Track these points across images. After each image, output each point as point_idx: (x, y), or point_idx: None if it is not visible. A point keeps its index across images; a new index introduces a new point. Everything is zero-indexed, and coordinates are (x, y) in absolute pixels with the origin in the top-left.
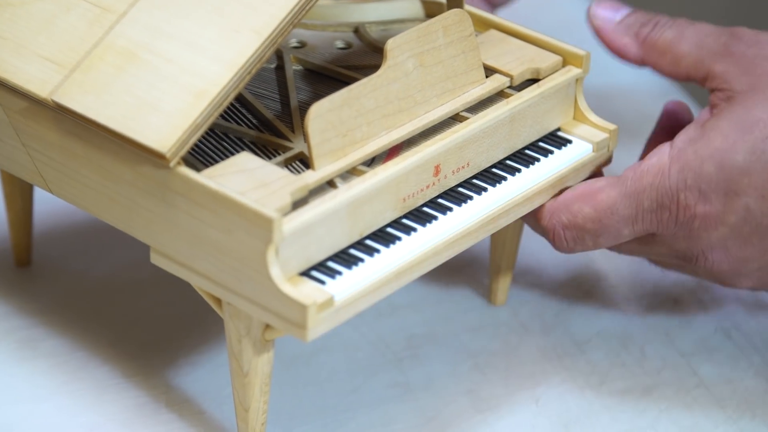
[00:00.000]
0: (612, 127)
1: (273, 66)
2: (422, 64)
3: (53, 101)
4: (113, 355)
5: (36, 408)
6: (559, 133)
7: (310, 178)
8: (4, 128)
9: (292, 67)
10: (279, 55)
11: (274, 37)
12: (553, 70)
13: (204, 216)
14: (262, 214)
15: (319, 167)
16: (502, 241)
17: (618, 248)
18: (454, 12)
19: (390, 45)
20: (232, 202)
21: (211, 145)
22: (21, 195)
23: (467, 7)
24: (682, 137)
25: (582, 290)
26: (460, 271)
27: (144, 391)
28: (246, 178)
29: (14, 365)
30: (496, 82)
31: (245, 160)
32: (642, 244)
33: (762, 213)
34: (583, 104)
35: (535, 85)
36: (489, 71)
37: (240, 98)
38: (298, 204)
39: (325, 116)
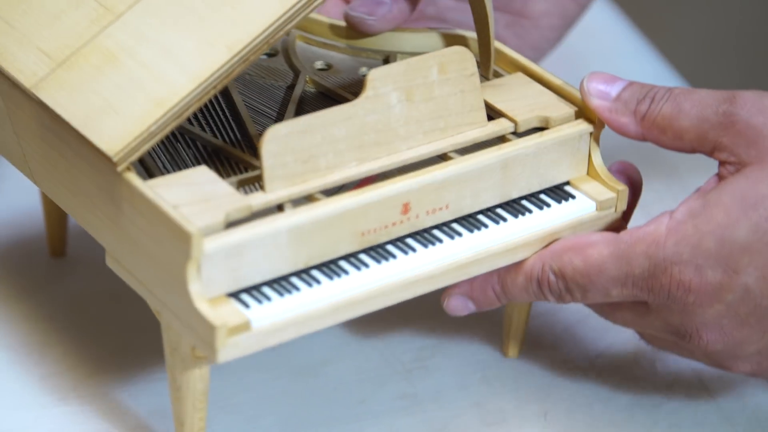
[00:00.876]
0: (621, 187)
1: (285, 85)
2: (408, 99)
3: (33, 93)
4: (126, 358)
5: (44, 414)
6: (566, 187)
7: (256, 200)
8: (2, 116)
9: (304, 88)
10: (297, 74)
11: (245, 54)
12: (564, 122)
13: (142, 224)
14: (182, 228)
15: (270, 190)
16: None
17: (612, 317)
18: (455, 49)
19: (371, 75)
20: (161, 213)
21: (191, 155)
22: None
23: (499, 44)
24: (682, 209)
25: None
26: None
27: (155, 399)
28: (192, 191)
29: (24, 369)
30: (498, 126)
31: (200, 173)
32: (636, 315)
33: (762, 294)
34: (597, 160)
35: (535, 134)
36: (497, 114)
37: (235, 112)
38: (236, 224)
39: (282, 140)
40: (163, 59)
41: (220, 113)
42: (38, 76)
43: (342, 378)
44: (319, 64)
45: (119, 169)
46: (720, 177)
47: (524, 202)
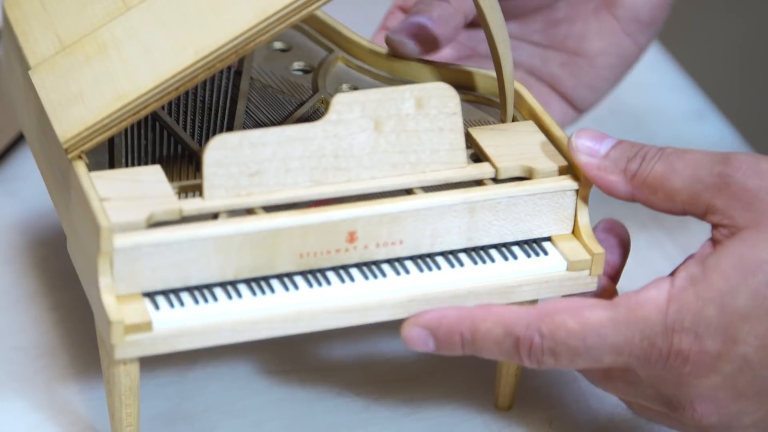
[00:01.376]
0: (598, 251)
1: (298, 101)
2: (377, 129)
3: (29, 74)
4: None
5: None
6: (543, 243)
7: (190, 205)
8: (21, 92)
9: (315, 107)
10: (314, 93)
11: (210, 61)
12: (547, 175)
13: (80, 214)
14: (96, 221)
15: (208, 198)
16: None
17: (602, 384)
18: (438, 85)
19: (336, 99)
20: (87, 204)
21: (167, 155)
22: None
23: (519, 86)
24: (683, 275)
25: None
26: None
27: (161, 401)
28: (131, 187)
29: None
30: (477, 170)
31: (150, 172)
32: (627, 383)
33: (761, 364)
34: (583, 220)
35: (511, 183)
36: (484, 158)
37: (232, 120)
38: (166, 225)
39: (227, 150)
40: (140, 56)
41: (218, 119)
42: (42, 58)
43: (348, 383)
44: (345, 87)
45: (69, 156)
46: (714, 241)
47: (491, 251)
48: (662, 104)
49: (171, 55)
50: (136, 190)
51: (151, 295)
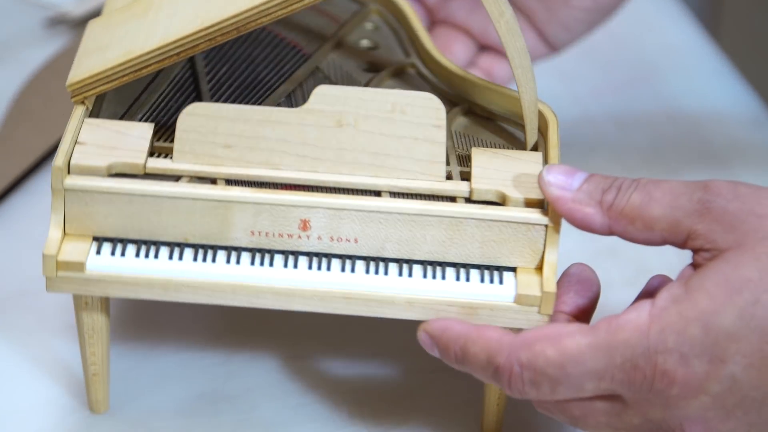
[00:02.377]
0: (549, 290)
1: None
2: (356, 127)
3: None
4: (178, 343)
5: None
6: (506, 272)
7: (154, 163)
8: None
9: None
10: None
11: (212, 33)
12: (519, 204)
13: None
14: (55, 161)
15: (175, 161)
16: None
17: (584, 423)
18: (425, 95)
19: (318, 90)
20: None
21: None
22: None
23: (548, 112)
24: (664, 295)
25: None
26: None
27: (206, 381)
28: (111, 138)
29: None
30: (452, 186)
31: (139, 128)
32: (611, 414)
33: (750, 384)
34: (550, 257)
35: (476, 205)
36: (468, 178)
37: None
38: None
39: (202, 118)
40: (165, 19)
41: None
42: (109, 12)
43: (390, 373)
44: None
45: (72, 100)
46: (695, 265)
47: (449, 268)
48: (720, 111)
49: (183, 22)
50: (114, 141)
51: (100, 240)
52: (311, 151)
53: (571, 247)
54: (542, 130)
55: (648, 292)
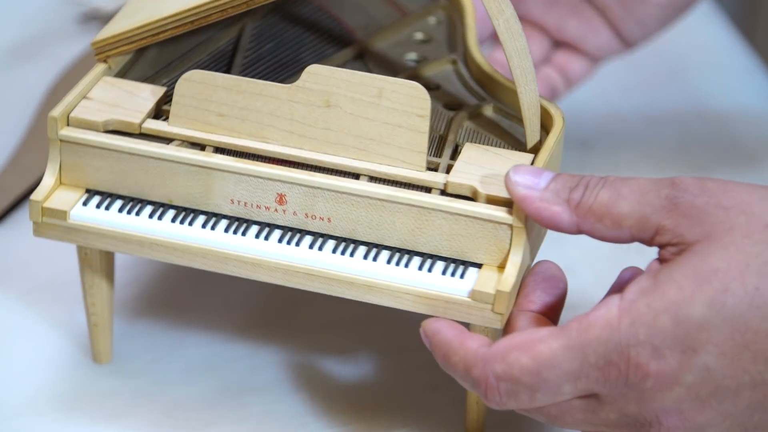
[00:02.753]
0: (504, 289)
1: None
2: (342, 108)
3: None
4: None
5: (126, 382)
6: (471, 267)
7: (149, 124)
8: None
9: None
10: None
11: (223, 4)
12: (488, 202)
13: None
14: (53, 111)
15: (171, 124)
16: None
17: (561, 421)
18: (411, 84)
19: (310, 68)
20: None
21: None
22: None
23: (553, 109)
24: (633, 288)
25: None
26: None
27: (233, 373)
28: (121, 96)
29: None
30: (429, 177)
31: (150, 90)
32: (588, 411)
33: (723, 374)
34: (514, 257)
35: (445, 198)
36: (434, 168)
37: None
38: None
39: (197, 85)
40: None
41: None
42: None
43: (418, 364)
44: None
45: (96, 58)
46: (662, 260)
47: (417, 258)
48: (750, 109)
49: None
50: (121, 100)
51: (91, 193)
52: (298, 128)
53: (597, 246)
54: (546, 130)
55: (619, 286)
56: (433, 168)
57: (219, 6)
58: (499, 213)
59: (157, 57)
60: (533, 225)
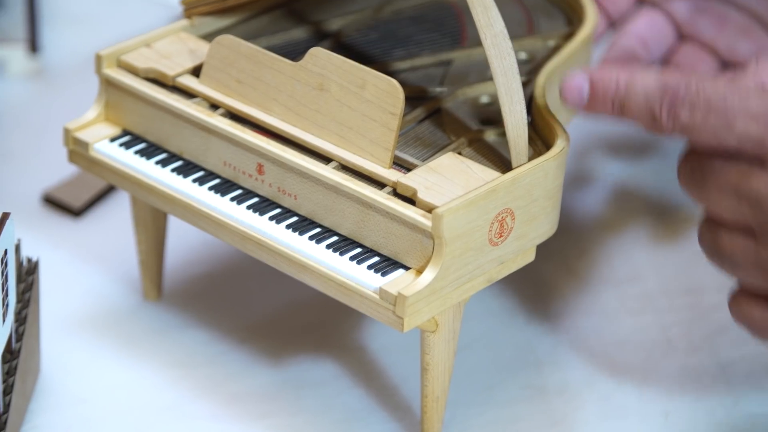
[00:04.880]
0: (407, 293)
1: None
2: (332, 93)
3: None
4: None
5: (189, 373)
6: (398, 268)
7: (182, 79)
8: None
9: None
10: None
11: None
12: (424, 209)
13: None
14: (103, 50)
15: (200, 82)
16: None
17: (720, 249)
18: (389, 82)
19: (313, 51)
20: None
21: None
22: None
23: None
24: None
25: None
26: (613, 285)
27: (292, 367)
28: (180, 51)
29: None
30: (388, 175)
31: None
32: (748, 239)
33: None
34: (430, 268)
35: (373, 192)
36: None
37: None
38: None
39: (225, 49)
40: None
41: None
42: None
43: (476, 364)
44: (484, 99)
45: (184, 14)
46: None
47: (358, 249)
48: None
49: None
50: (176, 54)
51: (126, 132)
52: (295, 106)
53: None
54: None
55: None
56: (406, 167)
57: None
58: (418, 217)
59: (271, 25)
60: (470, 243)
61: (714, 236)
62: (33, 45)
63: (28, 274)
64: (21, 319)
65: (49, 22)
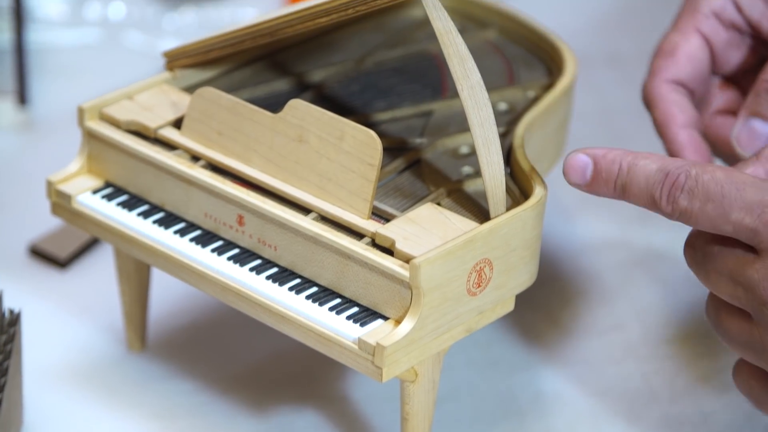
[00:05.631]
0: (385, 344)
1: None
2: (311, 145)
3: None
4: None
5: (171, 424)
6: (376, 318)
7: (163, 131)
8: None
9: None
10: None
11: (296, 18)
12: (402, 259)
13: None
14: (85, 103)
15: (181, 134)
16: None
17: (715, 281)
18: (367, 133)
19: (293, 102)
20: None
21: None
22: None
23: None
24: None
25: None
26: (596, 334)
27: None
28: (161, 103)
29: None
30: (367, 226)
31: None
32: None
33: None
34: (410, 317)
35: (352, 243)
36: (389, 219)
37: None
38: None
39: (206, 101)
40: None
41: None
42: None
43: (457, 416)
44: (464, 149)
45: (166, 67)
46: None
47: (337, 299)
48: None
49: (277, 7)
50: (158, 106)
51: (109, 185)
52: (274, 157)
53: None
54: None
55: None
56: (384, 218)
57: (287, 22)
58: (397, 268)
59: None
60: (448, 293)
61: (717, 312)
62: (22, 97)
63: (11, 325)
64: (3, 371)
65: (37, 75)
